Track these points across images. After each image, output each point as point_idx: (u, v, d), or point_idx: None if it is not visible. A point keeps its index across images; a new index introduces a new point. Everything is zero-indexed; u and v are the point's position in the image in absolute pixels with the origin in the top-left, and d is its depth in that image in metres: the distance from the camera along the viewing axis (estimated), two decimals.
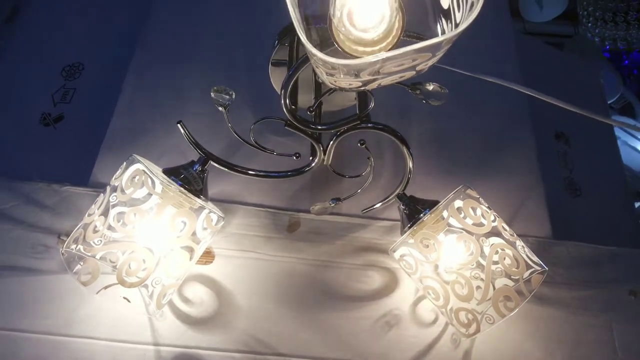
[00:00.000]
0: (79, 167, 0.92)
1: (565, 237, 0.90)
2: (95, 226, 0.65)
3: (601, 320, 0.81)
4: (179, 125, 0.69)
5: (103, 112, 0.97)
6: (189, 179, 0.69)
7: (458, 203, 0.73)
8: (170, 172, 0.69)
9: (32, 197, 0.83)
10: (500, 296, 0.67)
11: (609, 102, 2.25)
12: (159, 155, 0.90)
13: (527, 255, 0.72)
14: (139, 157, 0.68)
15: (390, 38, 0.46)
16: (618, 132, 1.79)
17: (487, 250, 0.71)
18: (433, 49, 0.37)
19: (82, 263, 0.65)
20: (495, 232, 0.72)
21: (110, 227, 0.64)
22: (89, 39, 1.13)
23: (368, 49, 0.47)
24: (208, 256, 0.81)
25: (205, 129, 0.85)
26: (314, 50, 0.37)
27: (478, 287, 0.69)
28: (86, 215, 0.68)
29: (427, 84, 0.63)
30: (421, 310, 0.79)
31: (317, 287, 0.81)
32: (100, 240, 0.64)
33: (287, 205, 0.89)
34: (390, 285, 0.81)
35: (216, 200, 0.86)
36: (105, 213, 0.66)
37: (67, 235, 0.79)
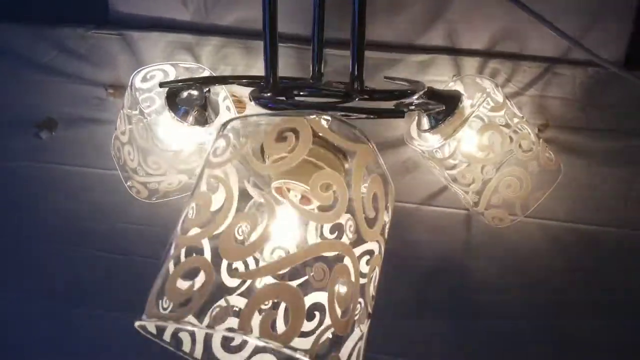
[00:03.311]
0: None
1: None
2: (129, 151, 0.73)
3: (623, 172, 0.80)
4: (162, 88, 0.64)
5: None
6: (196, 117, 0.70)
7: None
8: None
9: (66, 45, 0.86)
10: (494, 213, 0.72)
11: None
12: None
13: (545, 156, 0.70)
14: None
15: None
16: None
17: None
18: None
19: (129, 183, 0.77)
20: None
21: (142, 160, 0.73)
22: None
23: None
24: (240, 105, 0.85)
25: None
26: None
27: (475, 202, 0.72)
28: (117, 131, 0.75)
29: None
30: None
31: None
32: (137, 169, 0.74)
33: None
34: None
35: (239, 34, 0.81)
36: (131, 142, 0.72)
37: (112, 87, 0.87)
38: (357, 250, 0.35)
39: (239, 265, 0.33)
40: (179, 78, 0.73)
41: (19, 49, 0.87)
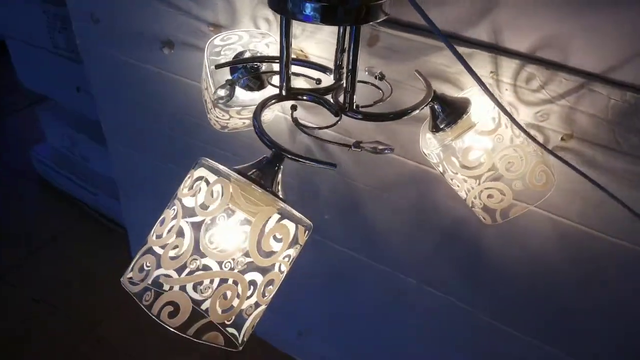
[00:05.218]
0: None
1: None
2: (208, 96, 0.94)
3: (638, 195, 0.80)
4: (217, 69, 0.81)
5: None
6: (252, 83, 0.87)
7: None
8: None
9: None
10: (477, 212, 0.81)
11: None
12: None
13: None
14: None
15: None
16: None
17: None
18: None
19: (209, 116, 0.98)
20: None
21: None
22: None
23: None
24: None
25: None
26: None
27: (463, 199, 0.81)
28: (202, 75, 0.95)
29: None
30: None
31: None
32: (211, 110, 0.95)
33: None
34: None
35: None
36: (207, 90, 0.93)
37: (212, 25, 1.06)
38: (250, 274, 0.54)
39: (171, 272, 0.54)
40: (245, 46, 0.90)
41: None
